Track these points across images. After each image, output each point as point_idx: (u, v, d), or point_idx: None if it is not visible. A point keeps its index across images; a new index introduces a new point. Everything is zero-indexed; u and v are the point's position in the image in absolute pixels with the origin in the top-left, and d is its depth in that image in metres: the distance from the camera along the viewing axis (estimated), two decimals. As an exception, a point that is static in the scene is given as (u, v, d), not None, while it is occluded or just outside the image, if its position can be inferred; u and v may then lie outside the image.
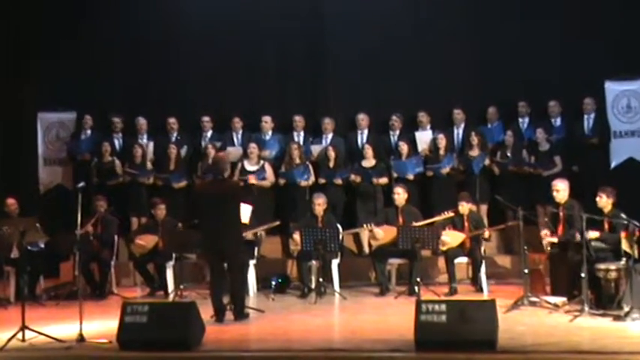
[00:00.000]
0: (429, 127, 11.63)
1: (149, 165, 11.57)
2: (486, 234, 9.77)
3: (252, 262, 9.99)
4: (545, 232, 8.89)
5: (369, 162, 11.17)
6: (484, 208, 10.96)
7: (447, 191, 10.90)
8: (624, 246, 8.11)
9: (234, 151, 11.46)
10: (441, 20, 11.85)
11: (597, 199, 8.62)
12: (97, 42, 12.28)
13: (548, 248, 8.92)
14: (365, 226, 10.10)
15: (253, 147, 11.24)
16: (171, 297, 9.66)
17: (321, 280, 9.66)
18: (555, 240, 8.84)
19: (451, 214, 9.79)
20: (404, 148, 11.10)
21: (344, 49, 12.02)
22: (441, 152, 11.11)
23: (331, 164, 11.25)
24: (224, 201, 8.18)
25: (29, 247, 9.68)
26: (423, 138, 11.53)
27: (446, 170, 11.00)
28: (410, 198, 10.23)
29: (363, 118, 11.64)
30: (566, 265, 8.65)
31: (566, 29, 11.36)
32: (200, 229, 8.48)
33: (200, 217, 8.43)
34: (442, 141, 11.12)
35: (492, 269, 10.34)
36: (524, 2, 11.60)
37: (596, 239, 8.40)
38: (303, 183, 11.10)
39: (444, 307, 6.69)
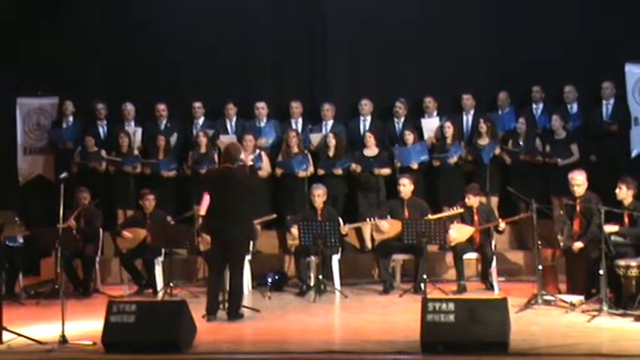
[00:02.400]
0: (435, 113, 11.60)
1: (136, 154, 11.53)
2: (502, 225, 9.68)
3: (247, 258, 9.96)
4: (560, 237, 8.82)
5: (371, 151, 11.14)
6: (495, 200, 10.94)
7: (455, 182, 10.92)
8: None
9: (226, 141, 11.43)
10: (450, -1, 11.83)
11: (617, 190, 8.59)
12: (80, 21, 12.25)
13: (561, 244, 8.87)
14: (368, 220, 10.07)
15: (249, 138, 11.16)
16: (160, 295, 9.64)
17: (320, 277, 9.63)
18: (582, 245, 8.74)
19: (461, 210, 9.75)
20: (409, 138, 11.04)
21: (345, 29, 11.98)
22: (448, 140, 11.09)
23: (331, 153, 11.22)
24: (234, 190, 8.18)
25: (7, 243, 9.63)
26: (430, 125, 11.50)
27: (453, 160, 10.97)
28: (416, 189, 10.20)
29: (365, 104, 11.60)
30: (583, 262, 8.63)
31: (584, 8, 11.31)
32: (209, 217, 8.46)
33: (210, 205, 8.40)
34: (449, 129, 11.08)
35: (504, 265, 10.34)
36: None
37: (616, 233, 8.37)
38: (302, 173, 11.07)
39: (452, 306, 6.67)
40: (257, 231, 10.46)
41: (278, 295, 9.82)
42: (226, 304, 8.29)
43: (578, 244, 8.71)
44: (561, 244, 8.80)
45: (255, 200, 8.57)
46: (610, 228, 8.29)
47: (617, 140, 10.93)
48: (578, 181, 8.95)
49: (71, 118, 11.95)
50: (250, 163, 8.43)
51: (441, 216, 9.80)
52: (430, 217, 9.76)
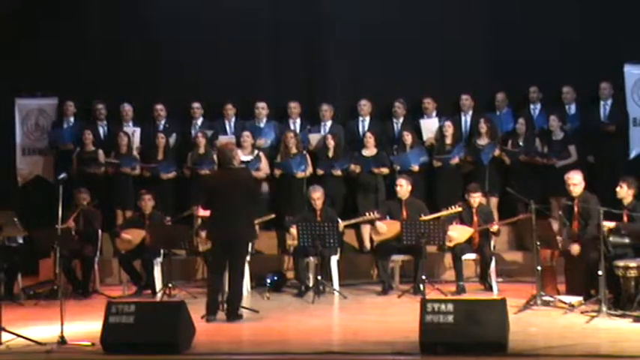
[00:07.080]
0: (434, 114, 11.58)
1: (135, 154, 11.52)
2: (495, 227, 9.69)
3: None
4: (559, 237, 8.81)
5: (370, 151, 11.13)
6: (494, 200, 10.93)
7: (454, 182, 10.94)
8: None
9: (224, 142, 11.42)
10: (448, -1, 11.81)
11: (618, 189, 8.58)
12: (80, 21, 12.23)
13: (560, 245, 8.86)
14: (368, 214, 10.05)
15: (247, 135, 11.20)
16: (158, 296, 9.62)
17: (319, 277, 9.61)
18: (579, 248, 8.72)
19: (459, 208, 9.74)
20: (408, 139, 11.04)
21: (343, 29, 11.96)
22: (447, 141, 11.09)
23: (330, 154, 11.21)
24: (237, 191, 8.16)
25: (6, 243, 9.62)
26: (429, 126, 11.49)
27: (455, 161, 10.97)
28: (414, 190, 10.18)
29: (364, 105, 11.59)
30: (582, 263, 8.61)
31: (582, 8, 11.30)
32: (210, 219, 8.44)
33: (212, 207, 8.38)
34: (449, 129, 11.08)
35: (502, 266, 10.33)
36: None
37: (612, 230, 8.33)
38: (300, 174, 11.05)
39: (450, 306, 6.65)
40: (256, 232, 10.43)
41: (277, 296, 9.81)
42: (225, 305, 8.26)
43: (576, 248, 8.70)
44: (560, 245, 8.79)
45: (256, 201, 8.56)
46: (607, 223, 8.27)
47: (615, 141, 10.91)
48: (575, 180, 8.93)
49: (72, 119, 11.94)
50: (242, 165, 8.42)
51: (439, 215, 9.79)
52: (428, 216, 9.76)
